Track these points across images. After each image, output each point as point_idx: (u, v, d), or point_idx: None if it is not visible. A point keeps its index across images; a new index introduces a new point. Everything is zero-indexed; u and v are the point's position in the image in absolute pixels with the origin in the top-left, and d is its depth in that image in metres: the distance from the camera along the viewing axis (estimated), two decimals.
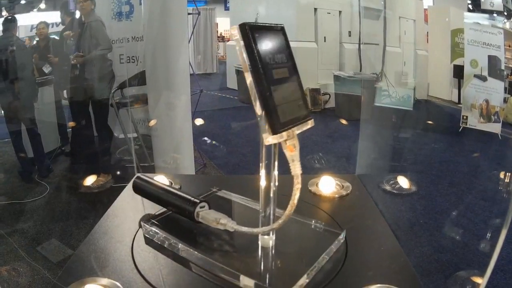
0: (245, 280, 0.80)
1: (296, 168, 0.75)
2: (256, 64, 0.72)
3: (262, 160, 0.86)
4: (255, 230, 0.87)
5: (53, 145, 5.19)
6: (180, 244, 0.91)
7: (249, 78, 0.72)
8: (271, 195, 0.88)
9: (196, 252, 0.88)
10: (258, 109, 0.71)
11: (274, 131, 0.71)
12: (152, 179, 1.11)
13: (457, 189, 4.44)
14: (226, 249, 0.95)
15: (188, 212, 0.95)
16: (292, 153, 0.74)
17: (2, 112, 4.79)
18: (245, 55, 0.72)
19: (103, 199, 3.86)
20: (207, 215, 0.93)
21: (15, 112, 4.52)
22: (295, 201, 0.76)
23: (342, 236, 0.98)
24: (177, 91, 3.67)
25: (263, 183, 0.87)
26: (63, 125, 5.29)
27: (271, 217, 0.89)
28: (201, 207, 0.95)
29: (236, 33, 0.73)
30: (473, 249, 3.29)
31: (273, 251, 0.92)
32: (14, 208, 3.98)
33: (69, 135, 5.30)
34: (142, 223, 1.00)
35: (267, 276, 0.87)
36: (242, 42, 0.73)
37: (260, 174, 0.87)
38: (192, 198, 0.96)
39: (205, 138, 5.92)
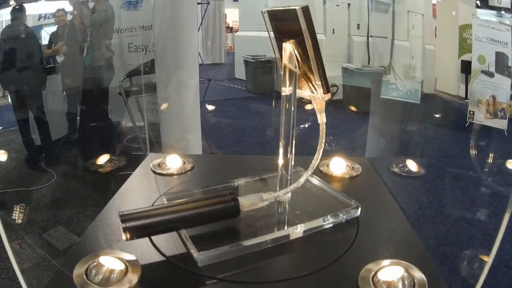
0: (293, 230, 0.93)
1: (322, 118, 0.94)
2: (316, 40, 0.85)
3: (282, 130, 0.99)
4: (290, 187, 0.98)
5: (60, 133, 5.19)
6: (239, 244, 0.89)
7: (310, 51, 0.85)
8: (289, 156, 1.00)
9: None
10: (316, 75, 0.87)
11: (328, 90, 0.89)
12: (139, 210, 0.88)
13: (463, 183, 4.44)
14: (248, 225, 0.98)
15: (234, 210, 0.91)
16: (322, 106, 0.93)
17: (10, 100, 4.80)
18: (308, 33, 0.84)
19: (110, 186, 3.87)
20: (249, 201, 0.93)
21: (23, 100, 4.53)
22: (322, 144, 0.95)
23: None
24: (187, 72, 3.68)
25: (282, 150, 1.00)
26: (72, 113, 5.29)
27: (289, 177, 1.02)
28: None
29: (299, 13, 0.83)
30: (477, 244, 3.29)
31: (290, 204, 1.05)
32: (20, 196, 3.99)
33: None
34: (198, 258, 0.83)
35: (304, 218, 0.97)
36: (305, 22, 0.83)
37: (280, 149, 0.99)
38: (226, 195, 0.92)
39: None
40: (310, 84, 0.92)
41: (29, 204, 3.81)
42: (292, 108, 0.97)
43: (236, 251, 0.85)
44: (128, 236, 0.81)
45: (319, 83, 0.88)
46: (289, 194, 1.03)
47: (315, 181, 1.16)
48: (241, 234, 0.95)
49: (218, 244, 0.85)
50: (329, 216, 0.99)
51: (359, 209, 1.03)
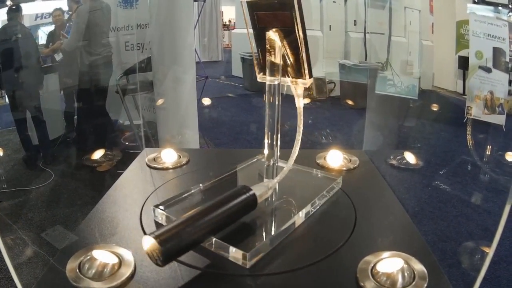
0: (298, 218, 0.94)
1: (301, 102, 0.98)
2: (305, 30, 0.88)
3: (266, 122, 1.00)
4: (284, 170, 0.99)
5: (58, 132, 5.19)
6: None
7: (300, 38, 0.88)
8: (275, 143, 1.02)
9: None
10: (304, 61, 0.91)
11: (311, 75, 0.93)
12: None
13: (461, 178, 4.43)
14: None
15: (253, 203, 0.89)
16: (302, 91, 0.97)
17: (7, 100, 4.80)
18: (300, 20, 0.86)
19: (108, 185, 3.86)
20: (260, 191, 0.92)
21: (21, 100, 4.53)
22: (301, 126, 0.97)
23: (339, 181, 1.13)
24: (184, 68, 3.69)
25: (267, 138, 1.02)
26: (70, 112, 5.29)
27: (276, 164, 1.04)
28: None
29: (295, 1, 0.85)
30: (476, 239, 3.29)
31: (277, 192, 1.06)
32: (19, 195, 3.99)
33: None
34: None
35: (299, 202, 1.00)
36: (298, 9, 0.85)
37: (265, 137, 1.02)
38: (243, 192, 0.89)
39: None
40: (293, 71, 0.95)
41: (27, 204, 3.80)
42: (276, 100, 0.99)
43: (272, 243, 0.85)
44: (164, 260, 0.72)
45: (307, 69, 0.92)
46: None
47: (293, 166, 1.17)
48: (257, 226, 0.95)
49: (251, 240, 0.86)
50: (321, 193, 1.03)
51: (341, 179, 1.12)
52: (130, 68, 4.68)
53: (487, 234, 3.32)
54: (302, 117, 0.97)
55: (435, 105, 6.82)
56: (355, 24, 8.61)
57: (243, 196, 0.88)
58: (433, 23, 8.79)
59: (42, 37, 5.28)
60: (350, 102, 7.29)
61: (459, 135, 5.84)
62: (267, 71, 0.95)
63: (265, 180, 1.03)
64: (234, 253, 0.80)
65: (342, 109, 7.41)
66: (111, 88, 4.74)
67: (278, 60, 0.93)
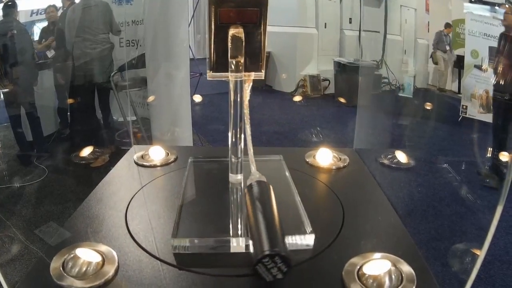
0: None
1: (248, 94, 0.97)
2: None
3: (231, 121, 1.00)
4: (253, 165, 0.98)
5: (52, 128, 5.17)
6: None
7: (263, 35, 0.91)
8: (238, 138, 1.02)
9: None
10: (263, 56, 0.93)
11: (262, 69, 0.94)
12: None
13: (455, 177, 4.43)
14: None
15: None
16: (250, 85, 0.97)
17: (1, 96, 4.78)
18: (266, 17, 0.89)
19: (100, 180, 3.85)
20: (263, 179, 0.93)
21: (15, 96, 4.52)
22: (248, 117, 0.97)
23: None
24: (177, 65, 3.69)
25: (232, 135, 1.02)
26: (64, 109, 5.27)
27: (240, 160, 1.05)
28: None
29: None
30: (470, 238, 3.29)
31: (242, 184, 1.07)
32: (12, 191, 3.98)
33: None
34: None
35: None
36: (266, 8, 0.88)
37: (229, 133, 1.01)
38: (267, 187, 0.89)
39: None
40: (248, 65, 0.95)
41: (20, 200, 3.79)
42: (239, 97, 0.98)
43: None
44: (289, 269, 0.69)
45: (264, 63, 0.94)
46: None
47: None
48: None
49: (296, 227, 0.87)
50: (287, 174, 1.11)
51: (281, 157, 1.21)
52: (124, 65, 4.67)
53: (482, 234, 3.31)
54: (247, 110, 0.98)
55: (429, 103, 6.80)
56: (350, 22, 8.62)
57: (271, 191, 0.88)
58: (428, 21, 8.80)
59: (37, 33, 5.27)
60: (344, 100, 7.29)
61: (453, 134, 5.85)
62: (232, 68, 0.93)
63: (232, 175, 1.06)
64: (305, 240, 0.84)
65: (336, 107, 7.41)
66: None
67: (243, 56, 0.91)
